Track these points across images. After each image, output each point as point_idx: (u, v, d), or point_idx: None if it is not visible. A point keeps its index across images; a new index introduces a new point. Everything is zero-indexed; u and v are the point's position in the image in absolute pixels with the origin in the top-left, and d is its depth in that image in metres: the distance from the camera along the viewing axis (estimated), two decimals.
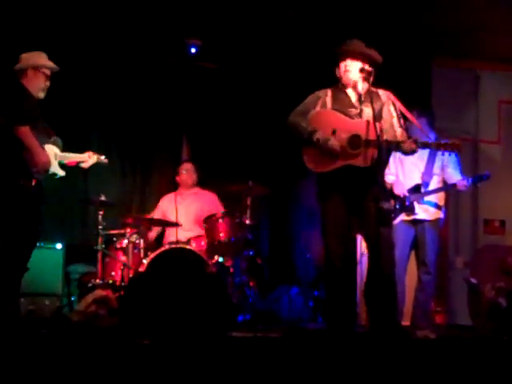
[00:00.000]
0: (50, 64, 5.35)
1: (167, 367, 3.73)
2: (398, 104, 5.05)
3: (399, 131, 4.99)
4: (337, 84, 5.10)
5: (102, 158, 5.68)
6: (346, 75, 5.02)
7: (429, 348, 4.82)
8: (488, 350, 4.52)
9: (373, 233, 4.79)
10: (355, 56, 4.97)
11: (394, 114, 5.02)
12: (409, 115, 5.14)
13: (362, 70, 4.93)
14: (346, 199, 4.90)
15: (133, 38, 7.47)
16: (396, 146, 4.93)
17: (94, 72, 7.55)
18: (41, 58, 5.34)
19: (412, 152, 4.96)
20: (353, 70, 4.98)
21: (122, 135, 7.82)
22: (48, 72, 5.32)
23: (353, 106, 4.98)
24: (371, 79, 4.97)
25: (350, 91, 5.05)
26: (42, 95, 5.29)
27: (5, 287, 4.94)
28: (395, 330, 4.84)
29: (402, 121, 5.04)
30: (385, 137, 4.88)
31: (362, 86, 4.96)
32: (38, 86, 5.25)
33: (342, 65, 5.03)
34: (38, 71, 5.26)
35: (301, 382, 3.64)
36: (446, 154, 5.92)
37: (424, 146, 5.01)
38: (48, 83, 5.32)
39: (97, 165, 5.67)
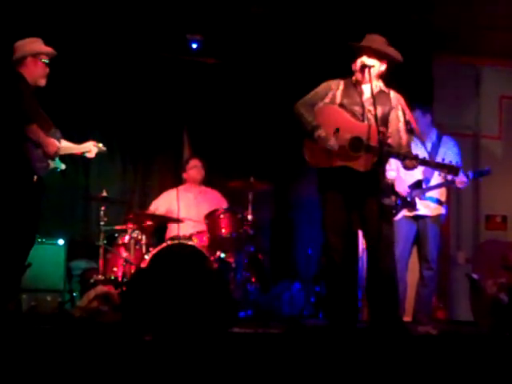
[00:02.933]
0: (49, 50, 5.24)
1: (169, 363, 3.73)
2: (408, 111, 5.03)
3: (404, 138, 4.97)
4: (350, 77, 5.07)
5: (101, 145, 5.61)
6: (359, 71, 5.00)
7: (430, 344, 4.82)
8: (490, 346, 4.53)
9: (374, 229, 4.78)
10: (372, 53, 4.94)
11: (402, 119, 4.99)
12: (414, 125, 5.13)
13: (362, 68, 4.91)
14: (346, 195, 4.90)
15: (134, 33, 7.46)
16: (397, 156, 4.94)
17: (95, 68, 7.54)
18: (39, 45, 5.23)
19: (412, 169, 4.99)
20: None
21: (124, 131, 7.81)
22: (47, 58, 5.21)
23: (360, 105, 4.95)
24: (373, 72, 4.94)
25: (361, 88, 5.01)
26: (43, 82, 5.20)
27: (4, 284, 4.93)
28: (397, 326, 4.84)
29: (408, 126, 5.02)
30: (390, 140, 4.89)
31: (375, 85, 4.93)
32: (38, 74, 5.16)
33: (358, 60, 4.98)
34: (37, 59, 5.16)
35: (302, 378, 3.65)
36: (448, 150, 5.99)
37: (423, 163, 5.01)
38: (47, 70, 5.22)
39: (97, 154, 5.62)
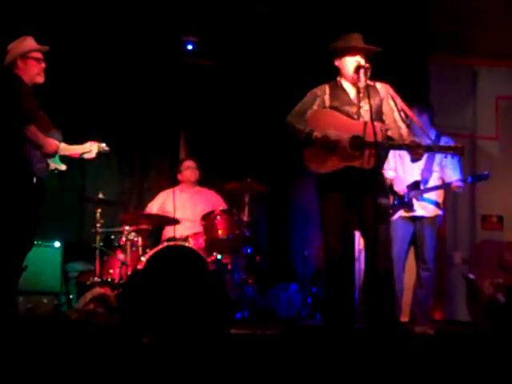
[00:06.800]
0: (37, 46, 5.18)
1: (166, 365, 3.73)
2: (398, 99, 5.03)
3: (403, 127, 4.97)
4: (334, 79, 5.08)
5: (103, 145, 5.55)
6: (345, 71, 5.00)
7: (427, 344, 4.82)
8: (486, 346, 4.53)
9: (370, 229, 4.78)
10: (355, 52, 4.94)
11: (395, 109, 4.99)
12: (409, 112, 5.13)
13: (358, 69, 4.91)
14: (344, 197, 4.89)
15: (130, 35, 7.46)
16: (400, 147, 4.94)
17: (91, 70, 7.54)
18: (27, 43, 5.17)
19: (418, 159, 4.97)
20: (352, 66, 4.96)
21: (120, 132, 7.80)
22: (38, 55, 5.15)
23: (351, 103, 4.95)
24: (369, 74, 4.94)
25: (348, 87, 5.02)
26: (39, 79, 5.15)
27: (2, 287, 4.93)
28: (394, 326, 4.84)
29: (403, 114, 5.02)
30: (390, 133, 4.89)
31: (361, 81, 4.93)
32: (32, 73, 5.11)
33: (342, 60, 4.99)
34: (27, 58, 5.10)
35: (299, 380, 3.65)
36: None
37: (428, 150, 5.00)
38: (43, 65, 5.16)
39: (99, 155, 5.57)
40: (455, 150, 4.96)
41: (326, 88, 5.06)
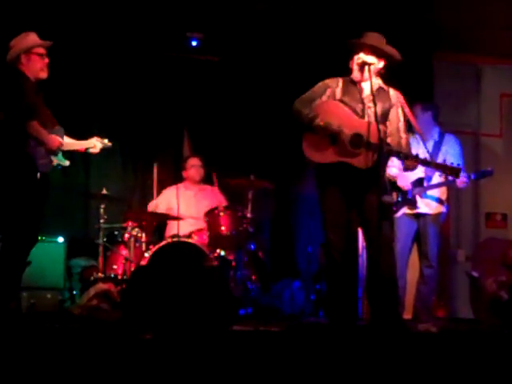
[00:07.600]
0: (39, 42, 5.19)
1: (169, 361, 3.73)
2: (407, 110, 5.03)
3: (404, 137, 4.96)
4: (349, 75, 5.07)
5: (106, 141, 5.57)
6: (353, 69, 4.99)
7: (430, 341, 4.82)
8: (489, 343, 4.52)
9: (373, 227, 4.77)
10: (370, 51, 4.92)
11: (402, 119, 4.99)
12: (414, 123, 5.13)
13: (362, 66, 4.90)
14: (345, 193, 4.89)
15: (134, 31, 7.46)
16: (398, 156, 4.93)
17: (96, 67, 7.54)
18: (29, 39, 5.18)
19: (412, 169, 4.99)
20: (357, 64, 4.94)
21: (124, 129, 7.79)
22: (41, 50, 5.17)
23: (361, 102, 4.94)
24: (372, 70, 4.92)
25: (361, 85, 5.00)
26: (43, 75, 5.17)
27: (5, 282, 4.94)
28: (396, 324, 4.84)
29: (407, 125, 5.02)
30: (389, 140, 4.87)
31: (374, 82, 4.90)
32: (35, 68, 5.13)
33: (356, 57, 4.96)
34: (30, 54, 5.12)
35: (303, 376, 3.65)
36: (450, 149, 5.99)
37: (423, 163, 4.99)
38: (46, 60, 5.18)
39: (102, 150, 5.60)
40: (451, 171, 4.95)
41: (340, 81, 5.04)
